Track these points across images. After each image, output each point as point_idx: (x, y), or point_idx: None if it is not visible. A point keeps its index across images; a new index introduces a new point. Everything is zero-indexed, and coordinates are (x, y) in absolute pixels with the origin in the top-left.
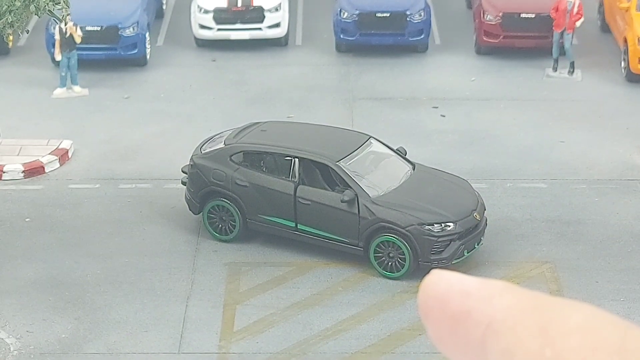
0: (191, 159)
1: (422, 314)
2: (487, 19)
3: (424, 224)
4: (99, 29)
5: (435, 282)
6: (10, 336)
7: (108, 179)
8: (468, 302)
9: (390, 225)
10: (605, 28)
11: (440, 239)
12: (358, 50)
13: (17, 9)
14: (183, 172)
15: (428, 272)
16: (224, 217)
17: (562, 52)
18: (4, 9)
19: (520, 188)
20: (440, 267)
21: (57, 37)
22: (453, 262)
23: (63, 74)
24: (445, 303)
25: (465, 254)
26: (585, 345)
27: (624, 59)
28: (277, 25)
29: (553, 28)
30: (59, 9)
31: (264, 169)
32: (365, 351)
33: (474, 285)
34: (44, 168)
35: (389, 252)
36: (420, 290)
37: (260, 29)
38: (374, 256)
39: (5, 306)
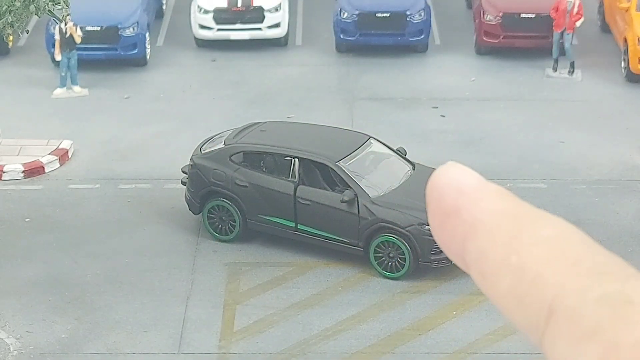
0: (191, 159)
1: (426, 202)
2: (487, 19)
3: (424, 224)
4: (99, 29)
5: (440, 175)
6: (10, 336)
7: (108, 179)
8: (459, 201)
9: (390, 225)
10: (605, 28)
11: None
12: (358, 50)
13: (17, 9)
14: (183, 172)
15: (428, 271)
16: (224, 217)
17: (562, 52)
18: (4, 9)
19: (520, 188)
20: (440, 267)
21: (57, 37)
22: (453, 262)
23: (63, 74)
24: (441, 197)
25: None
26: (546, 257)
27: (624, 59)
28: (277, 25)
29: (553, 28)
30: (59, 9)
31: (264, 169)
32: (365, 351)
33: (470, 185)
34: (44, 168)
35: (389, 252)
36: (429, 180)
37: (260, 29)
38: (374, 256)
39: (5, 306)
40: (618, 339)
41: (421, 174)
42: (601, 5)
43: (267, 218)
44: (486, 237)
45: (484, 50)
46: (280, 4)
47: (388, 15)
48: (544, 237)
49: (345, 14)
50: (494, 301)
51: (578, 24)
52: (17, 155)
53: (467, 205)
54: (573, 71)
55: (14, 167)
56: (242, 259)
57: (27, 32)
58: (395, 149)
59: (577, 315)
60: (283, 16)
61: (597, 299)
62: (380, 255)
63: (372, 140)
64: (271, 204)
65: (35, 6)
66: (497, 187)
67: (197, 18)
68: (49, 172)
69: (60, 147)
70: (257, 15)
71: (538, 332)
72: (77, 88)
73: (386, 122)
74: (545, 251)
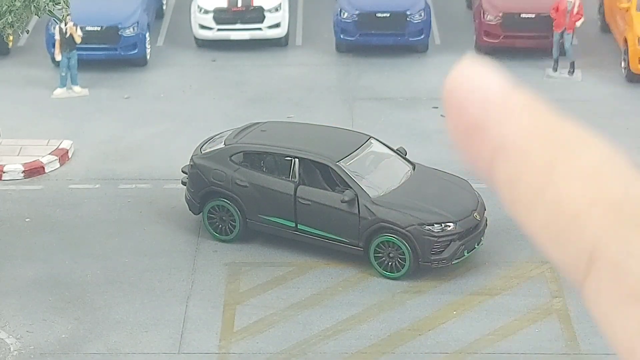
0: (191, 159)
1: (444, 109)
2: (487, 19)
3: (424, 224)
4: (99, 29)
5: (460, 78)
6: (10, 336)
7: (108, 179)
8: (486, 116)
9: (391, 226)
10: (605, 28)
11: (440, 239)
12: (358, 50)
13: (17, 9)
14: (183, 172)
15: (428, 271)
16: (224, 217)
17: (562, 52)
18: (4, 9)
19: None
20: (440, 267)
21: (57, 37)
22: (453, 262)
23: (63, 74)
24: (464, 109)
25: (466, 254)
26: (586, 194)
27: (624, 59)
28: (277, 25)
29: (553, 28)
30: (59, 9)
31: (264, 169)
32: (365, 351)
33: (497, 95)
34: (44, 168)
35: (389, 252)
36: (444, 85)
37: (260, 29)
38: (374, 256)
39: (5, 306)
40: None
41: (421, 174)
42: (601, 5)
43: (267, 218)
44: (518, 161)
45: (484, 50)
46: (280, 4)
47: (388, 15)
48: (583, 168)
49: (345, 14)
50: (527, 231)
51: (578, 24)
52: (17, 155)
53: (495, 120)
54: (573, 71)
55: (14, 167)
56: (242, 259)
57: (27, 32)
58: (395, 149)
59: (622, 271)
60: (283, 16)
61: None
62: (380, 255)
63: (372, 140)
64: (271, 204)
65: (35, 6)
66: (528, 97)
67: (197, 18)
68: (49, 172)
69: (60, 147)
70: (257, 15)
71: (578, 277)
72: (77, 88)
73: (386, 122)
74: (584, 187)
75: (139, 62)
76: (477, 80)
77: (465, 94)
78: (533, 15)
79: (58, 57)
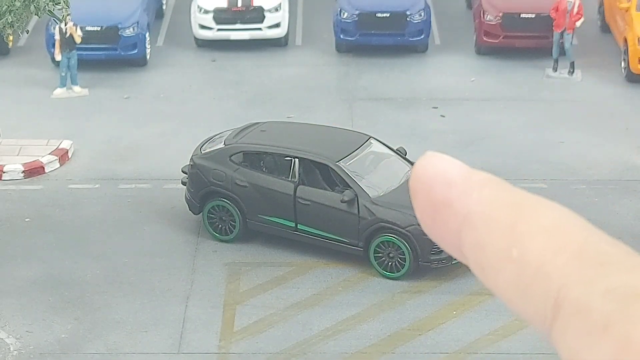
0: (191, 159)
1: (411, 195)
2: (487, 19)
3: None
4: (99, 29)
5: (424, 167)
6: (10, 336)
7: (108, 179)
8: (450, 193)
9: (390, 226)
10: (605, 28)
11: None
12: (358, 50)
13: (17, 9)
14: (183, 172)
15: (428, 271)
16: (224, 217)
17: (562, 52)
18: (4, 9)
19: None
20: (440, 267)
21: (57, 37)
22: (453, 262)
23: (63, 74)
24: (430, 190)
25: None
26: (548, 248)
27: (624, 59)
28: (277, 25)
29: (553, 28)
30: (59, 9)
31: (264, 169)
32: (365, 351)
33: (459, 176)
34: (44, 168)
35: (389, 252)
36: (411, 171)
37: (260, 29)
38: (374, 256)
39: (5, 306)
40: (630, 334)
41: None
42: (601, 5)
43: (267, 218)
44: (483, 229)
45: (484, 50)
46: (280, 4)
47: (388, 15)
48: (543, 226)
49: (345, 14)
50: (496, 293)
51: (578, 24)
52: (17, 155)
53: (459, 196)
54: (573, 71)
55: (14, 167)
56: (242, 259)
57: (27, 32)
58: (395, 149)
59: (586, 309)
60: (283, 16)
61: (605, 292)
62: (380, 255)
63: (372, 140)
64: (271, 204)
65: (35, 6)
66: (486, 175)
67: (197, 18)
68: (49, 172)
69: (60, 147)
70: (257, 15)
71: (545, 324)
72: (77, 88)
73: (386, 122)
74: (546, 241)
75: (139, 62)
76: (440, 165)
77: (431, 177)
78: (533, 15)
79: (58, 57)
